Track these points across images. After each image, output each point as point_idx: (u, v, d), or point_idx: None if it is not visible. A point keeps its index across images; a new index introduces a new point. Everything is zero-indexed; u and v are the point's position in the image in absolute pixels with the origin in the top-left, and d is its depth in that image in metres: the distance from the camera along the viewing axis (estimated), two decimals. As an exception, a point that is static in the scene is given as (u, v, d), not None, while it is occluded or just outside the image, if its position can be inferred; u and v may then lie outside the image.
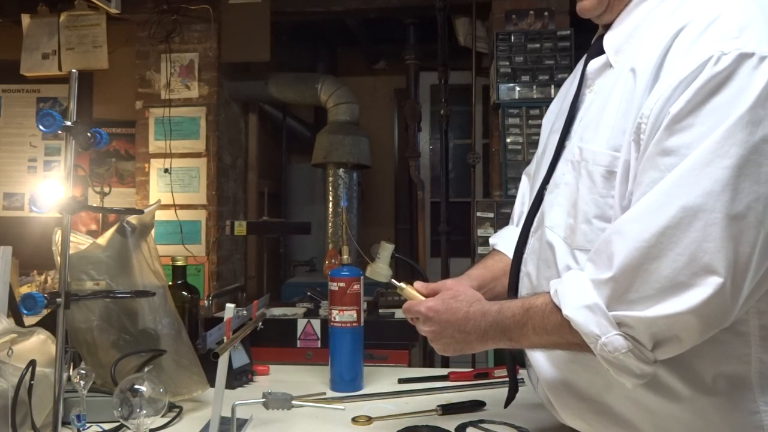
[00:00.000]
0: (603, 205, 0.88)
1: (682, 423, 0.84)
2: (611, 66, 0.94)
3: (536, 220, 1.02)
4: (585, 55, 1.03)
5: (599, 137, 0.91)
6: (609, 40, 0.95)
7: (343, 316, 1.43)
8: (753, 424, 0.82)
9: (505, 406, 1.18)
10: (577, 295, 0.83)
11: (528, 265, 1.03)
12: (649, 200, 0.78)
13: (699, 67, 0.77)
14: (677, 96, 0.78)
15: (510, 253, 1.14)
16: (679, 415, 0.84)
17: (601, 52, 0.97)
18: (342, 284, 1.43)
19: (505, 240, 1.26)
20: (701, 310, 0.75)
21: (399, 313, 2.64)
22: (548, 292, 0.88)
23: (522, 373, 1.48)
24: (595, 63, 0.98)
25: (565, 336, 0.85)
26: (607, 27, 0.98)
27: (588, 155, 0.91)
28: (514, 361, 1.13)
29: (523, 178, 1.29)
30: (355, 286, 1.43)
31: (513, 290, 1.06)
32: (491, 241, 1.31)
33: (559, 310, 0.84)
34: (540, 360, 0.99)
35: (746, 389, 0.82)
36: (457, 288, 1.05)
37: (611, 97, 0.91)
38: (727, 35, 0.78)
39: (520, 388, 1.43)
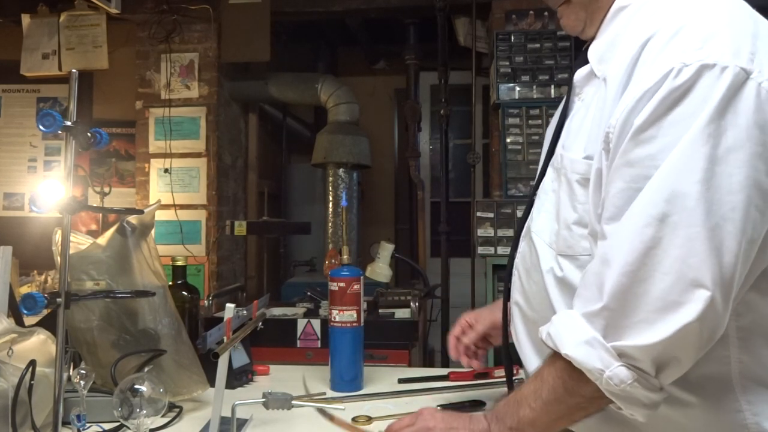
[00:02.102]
0: (582, 212, 0.90)
1: (670, 421, 0.85)
2: (596, 75, 0.95)
3: (526, 225, 1.04)
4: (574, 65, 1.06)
5: (577, 145, 0.92)
6: (592, 51, 0.97)
7: (343, 316, 1.43)
8: (738, 422, 0.83)
9: None
10: (572, 332, 0.82)
11: (519, 268, 1.05)
12: (628, 223, 0.78)
13: (661, 78, 0.78)
14: (641, 107, 0.79)
15: None
16: (667, 413, 0.84)
17: (587, 61, 0.98)
18: (342, 284, 1.43)
19: None
20: (695, 326, 0.75)
21: (399, 313, 2.64)
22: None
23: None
24: (581, 72, 0.99)
25: (565, 385, 0.84)
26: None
27: (567, 162, 0.93)
28: (511, 361, 1.13)
29: None
30: (355, 286, 1.43)
31: (506, 290, 1.07)
32: None
33: (555, 358, 0.85)
34: (530, 356, 1.01)
35: (728, 389, 0.83)
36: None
37: (591, 106, 0.92)
38: (690, 46, 0.78)
39: (518, 389, 1.44)
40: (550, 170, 1.00)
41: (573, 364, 0.81)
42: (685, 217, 0.75)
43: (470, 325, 1.32)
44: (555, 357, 0.86)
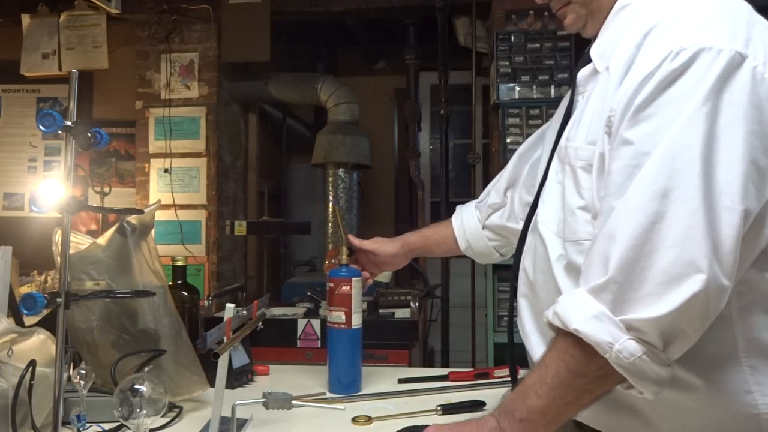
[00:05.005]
0: (587, 198, 0.92)
1: (677, 406, 0.86)
2: (598, 72, 0.98)
3: (534, 219, 1.06)
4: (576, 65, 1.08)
5: (579, 134, 0.95)
6: (594, 49, 1.00)
7: (332, 316, 1.43)
8: (747, 403, 0.84)
9: None
10: (580, 308, 0.83)
11: (526, 261, 1.06)
12: (632, 198, 0.81)
13: (661, 61, 0.81)
14: (641, 89, 0.82)
15: (456, 226, 1.43)
16: (674, 398, 0.85)
17: (590, 60, 1.01)
18: (331, 284, 1.43)
19: (458, 214, 1.45)
20: (701, 297, 0.76)
21: (399, 313, 2.64)
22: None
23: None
24: (585, 71, 1.02)
25: (568, 366, 0.84)
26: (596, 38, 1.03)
27: (571, 152, 0.96)
28: (514, 361, 1.14)
29: (513, 157, 1.35)
30: (344, 287, 1.41)
31: (513, 286, 1.09)
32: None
33: (559, 340, 0.85)
34: (537, 347, 1.01)
35: (735, 371, 0.84)
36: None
37: (591, 97, 0.96)
38: (688, 31, 0.82)
39: (520, 389, 1.44)
40: (554, 163, 1.03)
41: (579, 342, 0.82)
42: (686, 191, 0.77)
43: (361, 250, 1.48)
44: (558, 339, 0.86)
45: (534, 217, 1.06)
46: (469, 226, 1.42)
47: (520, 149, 1.32)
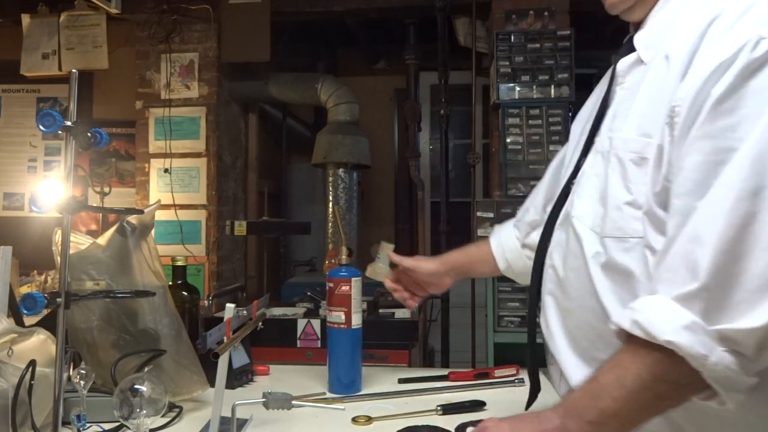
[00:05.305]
0: (636, 193, 0.88)
1: (719, 417, 0.82)
2: (642, 62, 0.95)
3: (562, 213, 1.02)
4: (615, 56, 1.05)
5: (628, 125, 0.91)
6: (640, 38, 0.97)
7: (332, 316, 1.43)
8: None
9: (527, 408, 1.14)
10: (668, 318, 0.77)
11: (554, 258, 1.02)
12: (719, 198, 0.76)
13: (738, 50, 0.78)
14: (717, 78, 0.78)
15: (494, 246, 1.32)
16: (712, 410, 0.81)
17: (631, 51, 0.98)
18: (330, 284, 1.43)
19: (496, 233, 1.36)
20: None
21: (399, 313, 2.64)
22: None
23: (523, 374, 1.48)
24: (626, 61, 0.99)
25: (653, 371, 0.78)
26: (637, 28, 1.00)
27: (618, 143, 0.91)
28: (537, 363, 1.10)
29: (547, 171, 1.28)
30: (344, 287, 1.42)
31: (536, 284, 1.05)
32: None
33: (637, 345, 0.79)
34: (562, 347, 0.98)
35: None
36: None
37: (641, 88, 0.92)
38: (764, 20, 0.79)
39: (517, 390, 1.44)
40: (591, 156, 0.99)
41: (667, 351, 0.76)
42: None
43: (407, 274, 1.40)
44: (636, 344, 0.80)
45: (562, 211, 1.02)
46: (508, 245, 1.33)
47: (554, 163, 1.24)
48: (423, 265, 1.39)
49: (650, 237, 0.86)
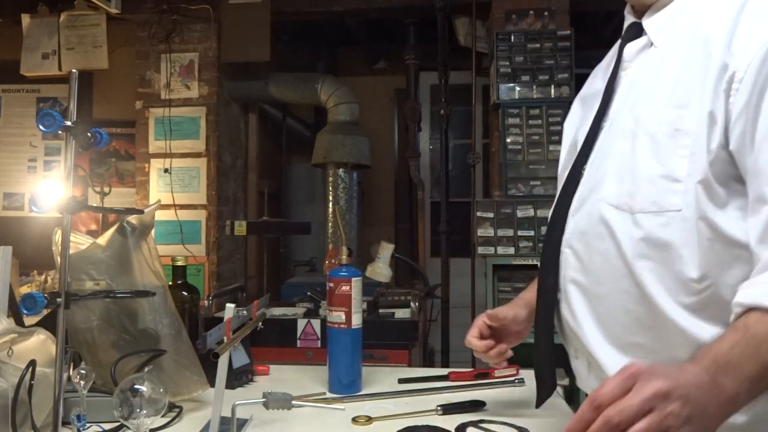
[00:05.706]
0: (668, 164, 0.87)
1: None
2: (652, 45, 0.97)
3: (575, 201, 1.01)
4: (619, 42, 1.05)
5: (657, 102, 0.91)
6: (651, 23, 0.99)
7: (332, 316, 1.43)
8: None
9: (537, 407, 1.12)
10: None
11: (573, 244, 1.00)
12: None
13: None
14: None
15: None
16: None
17: (638, 35, 0.99)
18: (331, 284, 1.43)
19: None
20: None
21: (399, 313, 2.64)
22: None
23: (523, 374, 1.48)
24: (634, 46, 1.01)
25: None
26: (641, 14, 1.01)
27: (647, 119, 0.91)
28: (554, 364, 1.06)
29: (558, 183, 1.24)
30: (344, 287, 1.41)
31: (551, 278, 1.02)
32: None
33: None
34: (591, 335, 0.96)
35: None
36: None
37: (665, 66, 0.93)
38: None
39: (517, 390, 1.44)
40: (607, 136, 0.99)
41: None
42: None
43: (488, 326, 1.20)
44: None
45: (575, 198, 1.00)
46: None
47: (559, 171, 1.20)
48: (515, 312, 1.21)
49: (705, 208, 0.85)
